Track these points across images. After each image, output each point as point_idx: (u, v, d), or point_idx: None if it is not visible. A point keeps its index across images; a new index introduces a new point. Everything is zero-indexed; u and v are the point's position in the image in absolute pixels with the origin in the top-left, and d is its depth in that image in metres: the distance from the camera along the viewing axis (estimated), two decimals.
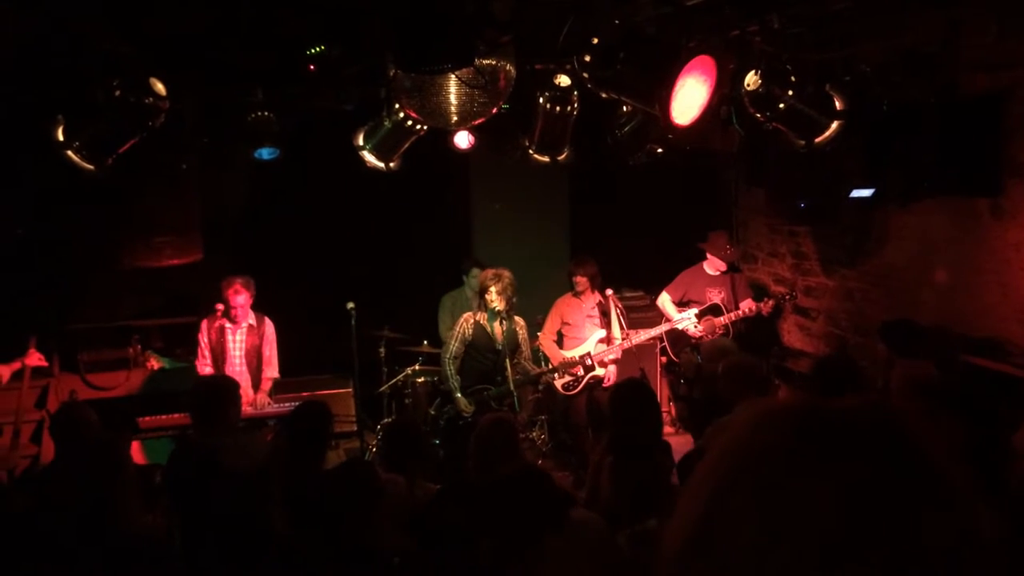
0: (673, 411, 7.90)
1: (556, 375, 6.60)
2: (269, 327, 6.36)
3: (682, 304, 7.14)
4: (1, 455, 5.67)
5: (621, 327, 6.55)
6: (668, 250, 7.72)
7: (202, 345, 6.20)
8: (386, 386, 7.06)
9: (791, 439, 0.77)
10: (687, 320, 6.83)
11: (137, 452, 6.12)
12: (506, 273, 5.98)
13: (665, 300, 7.19)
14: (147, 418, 5.84)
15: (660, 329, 6.88)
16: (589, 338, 6.65)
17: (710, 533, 0.76)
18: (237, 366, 6.16)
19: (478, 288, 6.19)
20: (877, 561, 0.69)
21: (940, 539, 0.71)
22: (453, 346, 6.12)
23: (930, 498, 0.73)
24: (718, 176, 8.66)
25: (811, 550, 0.70)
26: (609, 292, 6.60)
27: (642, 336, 6.70)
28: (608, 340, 6.60)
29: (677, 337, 7.14)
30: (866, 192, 5.52)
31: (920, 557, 0.70)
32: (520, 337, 6.25)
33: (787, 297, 7.10)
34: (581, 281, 6.63)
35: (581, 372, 6.57)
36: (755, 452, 0.78)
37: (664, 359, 7.59)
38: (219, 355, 6.12)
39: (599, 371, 6.58)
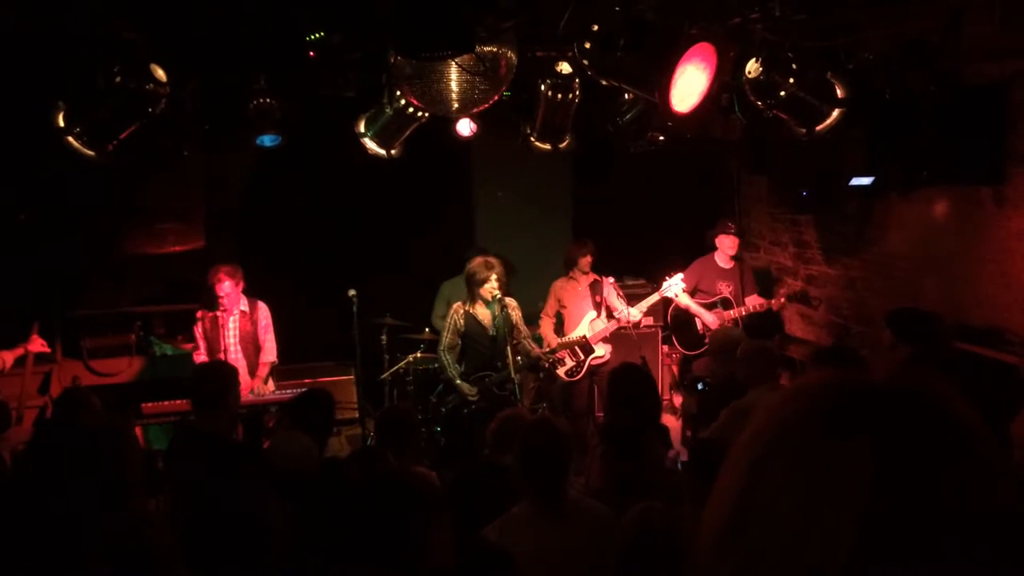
0: (674, 400, 7.90)
1: (556, 361, 6.57)
2: (263, 311, 6.31)
3: (692, 295, 6.97)
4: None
5: None
6: (670, 238, 7.72)
7: (198, 335, 6.21)
8: (388, 373, 7.08)
9: (828, 405, 0.78)
10: (675, 286, 6.69)
11: (139, 438, 6.16)
12: (491, 270, 5.89)
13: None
14: (149, 404, 5.86)
15: (651, 299, 6.69)
16: (583, 321, 6.65)
17: (751, 507, 0.76)
18: (233, 353, 6.14)
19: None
20: (914, 522, 0.69)
21: (976, 497, 0.72)
22: (447, 338, 6.08)
23: (966, 459, 0.74)
24: (720, 164, 8.65)
25: (853, 515, 0.70)
26: (610, 279, 6.58)
27: (636, 309, 6.59)
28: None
29: (681, 326, 7.08)
30: (866, 180, 5.51)
31: (955, 514, 0.70)
32: (515, 318, 6.09)
33: (798, 295, 7.00)
34: (586, 262, 6.61)
35: (582, 356, 6.56)
36: (792, 421, 0.78)
37: (666, 347, 7.58)
38: (215, 343, 6.12)
39: (599, 351, 6.57)
